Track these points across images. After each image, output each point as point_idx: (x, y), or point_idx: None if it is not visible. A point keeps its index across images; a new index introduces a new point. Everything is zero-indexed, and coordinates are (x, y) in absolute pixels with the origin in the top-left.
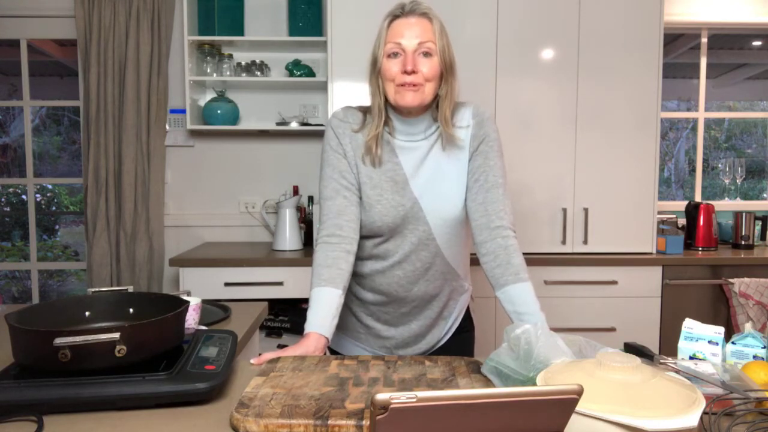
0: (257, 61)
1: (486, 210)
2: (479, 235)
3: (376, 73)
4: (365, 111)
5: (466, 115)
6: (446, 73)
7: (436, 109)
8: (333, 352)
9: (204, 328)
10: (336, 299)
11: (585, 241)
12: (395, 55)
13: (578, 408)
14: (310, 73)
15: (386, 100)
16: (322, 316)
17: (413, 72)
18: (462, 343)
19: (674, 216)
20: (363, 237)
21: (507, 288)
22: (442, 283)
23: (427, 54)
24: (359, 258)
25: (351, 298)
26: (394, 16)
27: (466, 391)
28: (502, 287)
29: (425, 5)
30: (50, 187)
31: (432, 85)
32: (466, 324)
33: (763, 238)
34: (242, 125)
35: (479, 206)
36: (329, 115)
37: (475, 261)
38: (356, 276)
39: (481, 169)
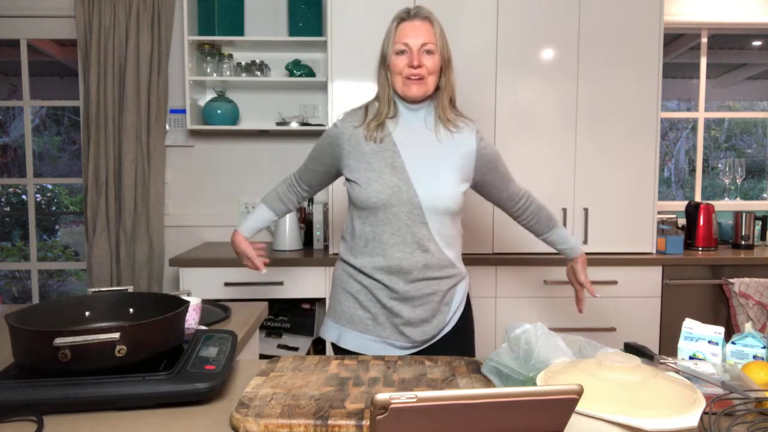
0: (257, 61)
1: (511, 199)
2: (513, 214)
3: (385, 66)
4: (366, 106)
5: (471, 131)
6: (445, 67)
7: (437, 99)
8: (339, 350)
9: (204, 328)
10: (265, 214)
11: (585, 241)
12: (402, 52)
13: (578, 408)
14: (310, 73)
15: (393, 91)
16: (249, 222)
17: (419, 66)
18: (465, 329)
19: (674, 216)
20: (363, 214)
21: (546, 235)
22: (440, 269)
23: (429, 52)
24: (362, 247)
25: (358, 289)
26: (401, 19)
27: (466, 391)
28: (542, 234)
29: (427, 10)
30: (50, 187)
31: (433, 78)
32: (467, 311)
33: (763, 238)
34: (242, 125)
35: (506, 201)
36: (329, 115)
37: (471, 261)
38: (361, 264)
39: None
